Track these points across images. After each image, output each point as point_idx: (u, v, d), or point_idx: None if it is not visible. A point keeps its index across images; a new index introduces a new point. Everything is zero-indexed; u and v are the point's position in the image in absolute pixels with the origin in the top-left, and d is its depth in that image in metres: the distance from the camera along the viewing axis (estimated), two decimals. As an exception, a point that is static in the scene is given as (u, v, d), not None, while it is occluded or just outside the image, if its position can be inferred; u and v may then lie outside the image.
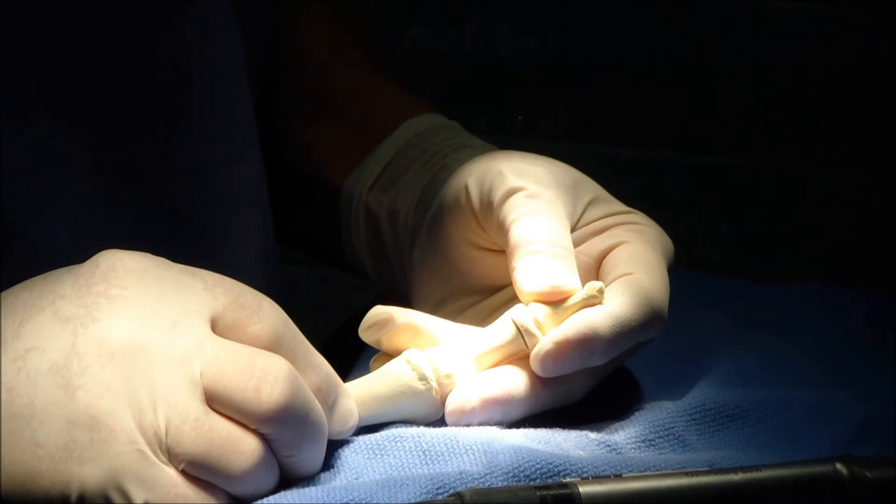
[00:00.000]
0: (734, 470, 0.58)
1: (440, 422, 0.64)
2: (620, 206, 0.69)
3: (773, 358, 0.76)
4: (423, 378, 0.63)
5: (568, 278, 0.64)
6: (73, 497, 0.53)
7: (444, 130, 0.82)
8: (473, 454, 0.59)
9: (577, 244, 0.67)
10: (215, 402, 0.55)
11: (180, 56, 0.74)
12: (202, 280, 0.57)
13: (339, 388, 0.60)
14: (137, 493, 0.53)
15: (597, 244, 0.67)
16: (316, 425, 0.57)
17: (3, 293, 0.57)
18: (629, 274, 0.65)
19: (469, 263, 0.70)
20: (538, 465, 0.58)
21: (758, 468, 0.58)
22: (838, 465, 0.59)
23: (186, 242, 0.66)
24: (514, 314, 0.64)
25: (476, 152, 0.75)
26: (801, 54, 1.20)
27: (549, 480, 0.57)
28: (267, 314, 0.57)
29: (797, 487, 0.58)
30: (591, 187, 0.69)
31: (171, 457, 0.54)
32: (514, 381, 0.63)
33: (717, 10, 1.21)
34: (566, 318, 0.63)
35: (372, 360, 0.66)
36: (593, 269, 0.67)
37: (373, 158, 0.82)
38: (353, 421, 0.60)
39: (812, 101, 1.20)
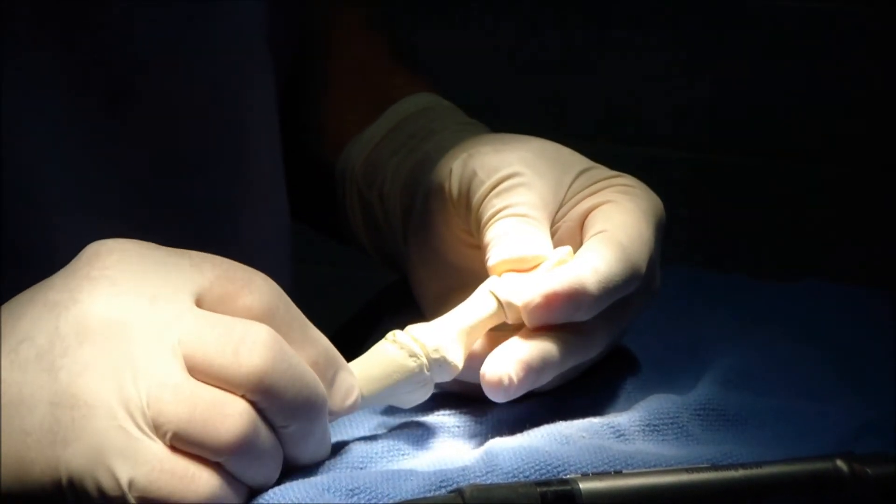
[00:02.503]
0: (735, 466, 0.58)
1: (431, 402, 0.64)
2: (608, 172, 0.69)
3: (774, 355, 0.76)
4: (412, 355, 0.62)
5: (534, 246, 0.64)
6: (63, 481, 0.52)
7: (433, 112, 0.81)
8: (475, 449, 0.59)
9: (564, 215, 0.67)
10: (196, 370, 0.54)
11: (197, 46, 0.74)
12: (189, 258, 0.57)
13: (338, 363, 0.58)
14: (123, 470, 0.52)
15: (581, 206, 0.67)
16: (308, 393, 0.55)
17: (15, 297, 0.57)
18: (604, 231, 0.65)
19: (461, 259, 0.71)
20: (538, 466, 0.58)
21: (758, 465, 0.58)
22: (839, 462, 0.59)
23: (198, 241, 0.66)
24: (492, 286, 0.64)
25: (455, 136, 0.75)
26: (800, 54, 1.20)
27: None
28: (258, 287, 0.56)
29: (798, 484, 0.58)
30: (578, 161, 0.69)
31: (156, 429, 0.53)
32: (546, 345, 0.62)
33: (717, 10, 1.22)
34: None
35: None
36: (577, 231, 0.67)
37: (361, 140, 0.82)
38: (355, 397, 0.59)
39: (812, 102, 1.20)
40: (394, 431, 0.63)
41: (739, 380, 0.71)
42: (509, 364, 0.61)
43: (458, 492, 0.54)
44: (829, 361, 0.76)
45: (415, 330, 0.63)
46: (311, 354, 0.57)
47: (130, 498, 0.52)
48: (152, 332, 0.54)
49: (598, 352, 0.65)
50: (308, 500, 0.55)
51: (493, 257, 0.65)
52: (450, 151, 0.71)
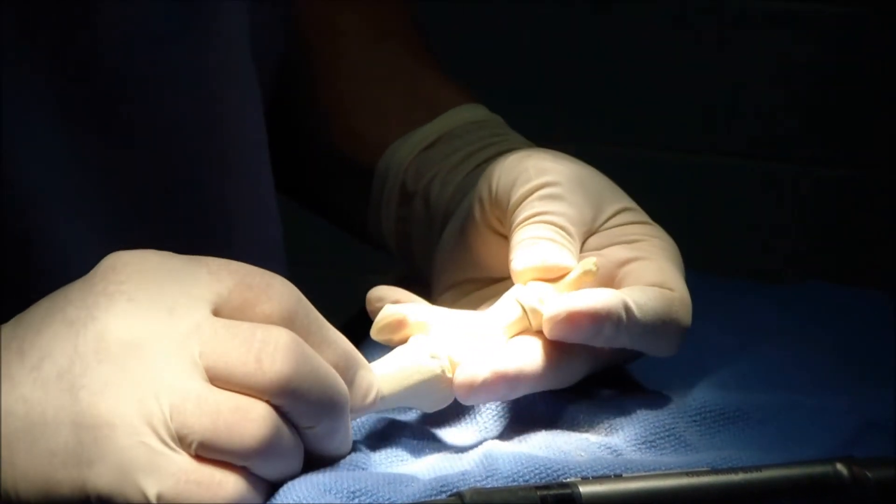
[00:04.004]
0: (735, 470, 0.58)
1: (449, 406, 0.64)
2: (644, 217, 0.70)
3: (774, 359, 0.76)
4: (434, 357, 0.62)
5: (562, 257, 0.65)
6: (92, 500, 0.52)
7: (491, 125, 0.82)
8: (474, 455, 0.59)
9: (598, 248, 0.68)
10: (218, 379, 0.54)
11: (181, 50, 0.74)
12: (206, 266, 0.57)
13: (358, 362, 0.58)
14: (149, 485, 0.52)
15: (620, 253, 0.68)
16: (332, 394, 0.56)
17: (31, 307, 0.57)
18: (670, 290, 0.65)
19: (489, 251, 0.71)
20: (537, 470, 0.58)
21: (758, 468, 0.58)
22: (839, 466, 0.59)
23: (189, 245, 0.66)
24: (517, 294, 0.64)
25: (516, 147, 0.76)
26: (800, 54, 1.20)
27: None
28: (277, 292, 0.56)
29: (798, 488, 0.58)
30: (619, 196, 0.70)
31: (181, 441, 0.53)
32: (526, 357, 0.63)
33: (718, 10, 1.21)
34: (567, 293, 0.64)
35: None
36: (613, 274, 0.67)
37: (412, 139, 0.82)
38: (374, 395, 0.59)
39: (812, 101, 1.20)
40: (393, 434, 0.63)
41: (738, 383, 0.71)
42: (484, 368, 0.61)
43: (458, 495, 0.54)
44: (829, 363, 0.76)
45: (438, 333, 0.63)
46: (332, 355, 0.57)
47: None
48: (171, 346, 0.54)
49: (572, 383, 0.66)
50: (309, 501, 0.55)
51: (519, 262, 0.65)
52: (506, 154, 0.72)
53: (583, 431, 0.64)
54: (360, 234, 0.88)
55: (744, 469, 0.58)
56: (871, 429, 0.67)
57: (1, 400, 0.54)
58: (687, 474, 0.57)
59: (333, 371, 0.56)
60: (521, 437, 0.63)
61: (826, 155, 1.20)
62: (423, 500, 0.55)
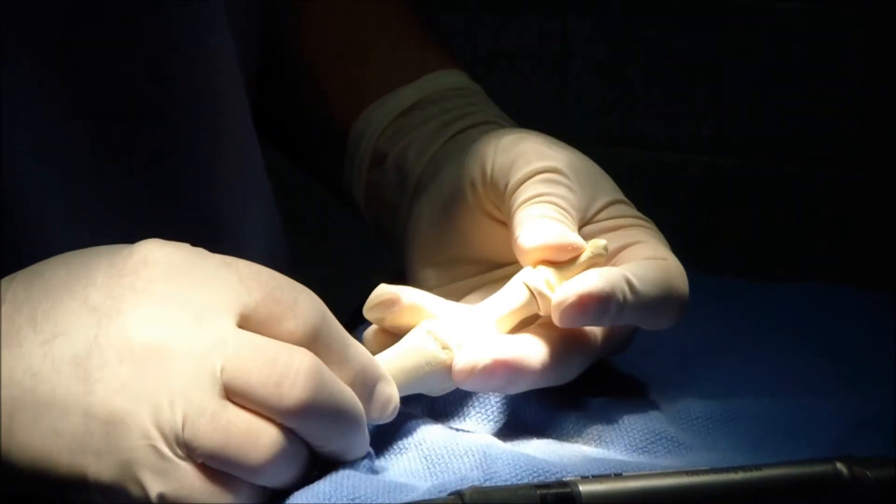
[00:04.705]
0: (734, 469, 0.58)
1: (431, 408, 0.64)
2: (635, 211, 0.70)
3: (772, 357, 0.76)
4: (446, 348, 0.62)
5: (575, 236, 0.65)
6: (90, 485, 0.53)
7: (470, 94, 0.81)
8: (472, 458, 0.59)
9: (588, 237, 0.67)
10: (236, 396, 0.54)
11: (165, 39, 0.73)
12: (237, 272, 0.57)
13: (377, 376, 0.59)
14: (153, 484, 0.53)
15: (612, 239, 0.68)
16: (346, 417, 0.56)
17: (40, 264, 0.57)
18: (663, 259, 0.66)
19: (479, 233, 0.70)
20: (536, 472, 0.58)
21: (758, 467, 0.58)
22: (839, 465, 0.59)
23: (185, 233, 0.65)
24: (525, 277, 0.64)
25: (498, 122, 0.76)
26: (800, 54, 1.20)
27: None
28: (302, 309, 0.56)
29: (797, 487, 0.58)
30: (612, 188, 0.70)
31: (189, 451, 0.53)
32: (528, 350, 0.63)
33: (717, 10, 1.21)
34: (573, 277, 0.64)
35: (368, 331, 0.66)
36: (609, 263, 0.67)
37: (387, 103, 0.82)
38: (393, 408, 0.59)
39: (812, 101, 1.20)
40: (393, 438, 0.63)
41: (731, 383, 0.72)
42: (486, 355, 0.61)
43: (458, 494, 0.54)
44: (828, 362, 0.76)
45: (447, 321, 0.63)
46: (351, 372, 0.57)
47: None
48: (194, 355, 0.54)
49: (569, 380, 0.66)
50: None
51: (528, 239, 0.64)
52: (497, 133, 0.71)
53: (574, 442, 0.64)
54: (340, 196, 0.87)
55: (743, 468, 0.58)
56: (865, 428, 0.67)
57: (5, 366, 0.54)
58: (687, 473, 0.57)
59: (351, 393, 0.57)
60: (515, 443, 0.63)
61: (826, 155, 1.20)
62: (422, 499, 0.55)
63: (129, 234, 0.60)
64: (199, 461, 0.53)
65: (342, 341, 0.58)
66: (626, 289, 0.63)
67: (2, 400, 0.54)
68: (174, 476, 0.53)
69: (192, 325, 0.55)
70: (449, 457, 0.60)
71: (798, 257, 1.21)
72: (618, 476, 0.57)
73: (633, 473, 0.57)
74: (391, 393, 0.59)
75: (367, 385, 0.58)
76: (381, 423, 0.60)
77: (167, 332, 0.54)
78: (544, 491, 0.55)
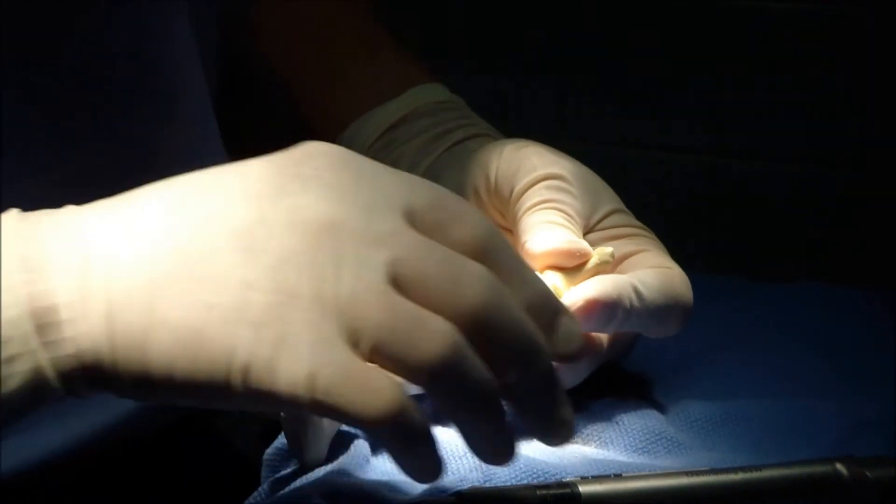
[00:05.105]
0: (734, 470, 0.58)
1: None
2: (635, 220, 0.70)
3: (767, 359, 0.76)
4: None
5: (583, 242, 0.65)
6: (238, 363, 0.48)
7: (457, 108, 0.81)
8: (472, 458, 0.59)
9: (591, 245, 0.68)
10: (408, 290, 0.49)
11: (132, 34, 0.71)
12: (400, 175, 0.53)
13: (557, 306, 0.53)
14: (305, 364, 0.48)
15: (616, 247, 0.68)
16: (526, 341, 0.50)
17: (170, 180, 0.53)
18: (668, 268, 0.66)
19: None
20: (535, 474, 0.58)
21: (758, 468, 0.58)
22: (838, 465, 0.59)
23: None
24: None
25: (491, 135, 0.76)
26: (798, 56, 1.20)
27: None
28: (472, 221, 0.51)
29: (797, 487, 0.58)
30: (613, 197, 0.70)
31: (354, 335, 0.48)
32: None
33: (718, 10, 1.21)
34: (581, 283, 0.64)
35: None
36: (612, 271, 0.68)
37: (373, 117, 0.82)
38: (578, 342, 0.53)
39: (811, 101, 1.20)
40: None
41: (730, 383, 0.72)
42: None
43: (458, 494, 0.54)
44: (828, 362, 0.76)
45: None
46: (527, 296, 0.51)
47: (305, 396, 0.47)
48: (365, 240, 0.49)
49: (576, 383, 0.66)
50: None
51: (536, 244, 0.64)
52: (498, 142, 0.71)
53: (574, 443, 0.64)
54: None
55: (743, 469, 0.58)
56: (865, 428, 0.67)
57: (147, 245, 0.49)
58: (687, 474, 0.57)
59: (530, 321, 0.51)
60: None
61: (826, 155, 1.20)
62: (422, 499, 0.55)
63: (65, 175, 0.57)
64: (365, 352, 0.48)
65: (517, 262, 0.52)
66: (634, 296, 0.63)
67: (144, 278, 0.49)
68: (331, 359, 0.48)
69: (364, 211, 0.50)
70: (449, 458, 0.60)
71: (798, 257, 1.21)
72: (618, 477, 0.57)
73: (633, 474, 0.57)
74: (575, 329, 0.53)
75: (545, 313, 0.52)
76: (568, 363, 0.54)
77: (338, 213, 0.50)
78: (544, 492, 0.55)
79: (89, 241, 0.50)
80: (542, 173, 0.68)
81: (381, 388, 0.48)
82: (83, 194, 0.54)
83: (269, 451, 0.60)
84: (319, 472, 0.58)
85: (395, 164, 0.79)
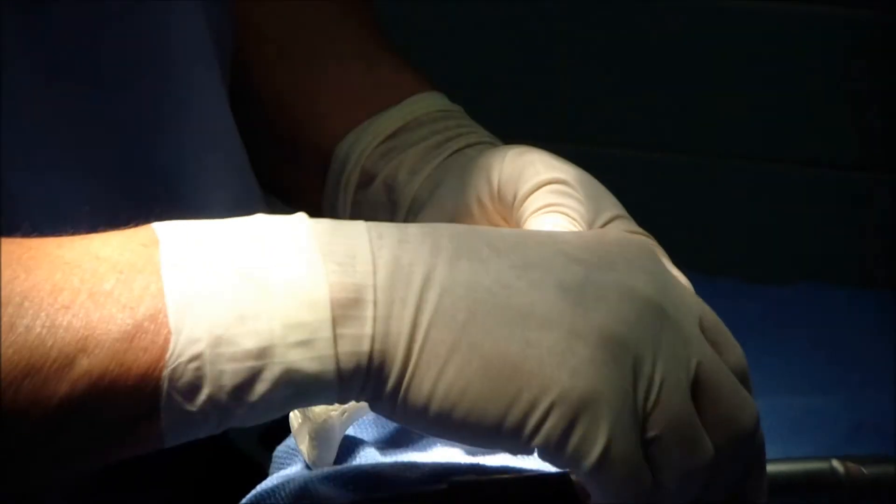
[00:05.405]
0: (731, 466, 0.58)
1: None
2: (636, 227, 0.70)
3: (766, 359, 0.76)
4: None
5: None
6: (544, 405, 0.49)
7: (456, 117, 0.81)
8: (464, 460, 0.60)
9: None
10: (702, 395, 0.51)
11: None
12: (688, 286, 0.57)
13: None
14: (600, 431, 0.49)
15: None
16: (761, 475, 0.54)
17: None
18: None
19: None
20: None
21: (755, 465, 0.58)
22: (834, 463, 0.59)
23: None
24: None
25: (492, 143, 0.77)
26: (800, 54, 1.20)
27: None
28: (740, 352, 0.55)
29: (794, 484, 0.58)
30: (614, 203, 0.70)
31: (646, 418, 0.50)
32: None
33: (718, 10, 1.22)
34: None
35: None
36: None
37: (372, 126, 0.82)
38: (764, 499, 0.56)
39: (811, 101, 1.20)
40: (392, 445, 0.63)
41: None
42: None
43: (447, 481, 0.54)
44: (821, 363, 0.76)
45: None
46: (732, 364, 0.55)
47: (586, 466, 0.49)
48: (681, 335, 0.52)
49: None
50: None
51: None
52: (499, 148, 0.72)
53: None
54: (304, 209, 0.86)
55: (741, 465, 0.58)
56: (864, 429, 0.67)
57: (462, 275, 0.51)
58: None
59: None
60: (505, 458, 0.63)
61: (826, 155, 1.20)
62: (417, 490, 0.55)
63: (90, 195, 0.58)
64: (647, 434, 0.50)
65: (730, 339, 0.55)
66: None
67: (463, 301, 0.50)
68: (623, 437, 0.49)
69: (677, 307, 0.53)
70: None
71: (797, 258, 1.21)
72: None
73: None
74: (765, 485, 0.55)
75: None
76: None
77: (662, 299, 0.52)
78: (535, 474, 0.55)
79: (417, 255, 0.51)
80: (546, 178, 0.68)
81: (645, 486, 0.50)
82: (97, 182, 0.56)
83: (279, 448, 0.61)
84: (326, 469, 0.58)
85: (394, 172, 0.79)
